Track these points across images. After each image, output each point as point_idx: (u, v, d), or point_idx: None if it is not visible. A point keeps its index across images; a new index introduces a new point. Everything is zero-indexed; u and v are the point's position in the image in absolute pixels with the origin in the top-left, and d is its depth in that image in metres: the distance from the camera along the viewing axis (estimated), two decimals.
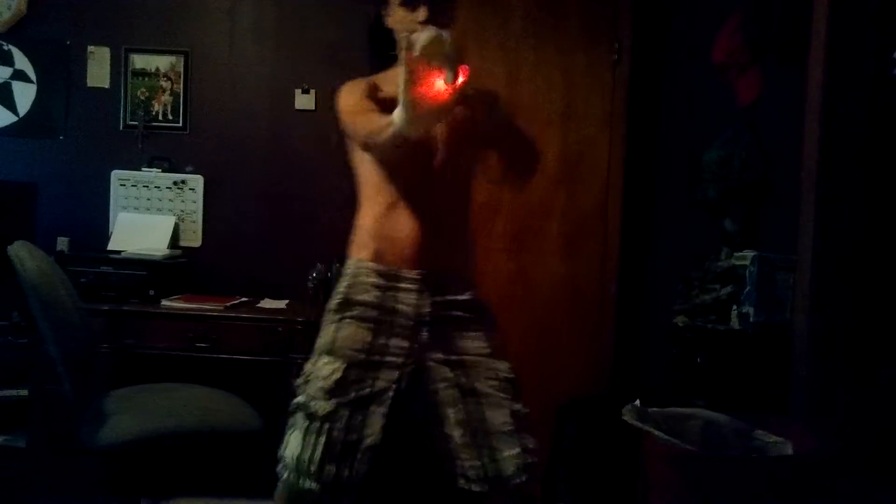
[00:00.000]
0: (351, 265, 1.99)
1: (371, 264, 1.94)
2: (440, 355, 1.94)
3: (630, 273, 3.24)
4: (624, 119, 3.20)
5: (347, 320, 1.92)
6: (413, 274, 1.92)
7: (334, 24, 3.47)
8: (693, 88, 3.06)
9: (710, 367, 2.30)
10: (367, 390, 1.89)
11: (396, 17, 1.97)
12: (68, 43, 3.51)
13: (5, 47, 3.50)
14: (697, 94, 3.03)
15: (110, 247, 3.34)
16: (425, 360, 1.94)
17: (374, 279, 1.93)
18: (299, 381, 1.95)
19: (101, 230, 3.46)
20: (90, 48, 3.51)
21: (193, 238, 3.51)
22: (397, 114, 1.60)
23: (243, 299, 3.26)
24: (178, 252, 3.41)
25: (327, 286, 3.30)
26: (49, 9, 3.51)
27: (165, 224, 3.45)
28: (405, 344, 1.92)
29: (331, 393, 1.87)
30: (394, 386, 1.91)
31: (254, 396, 2.49)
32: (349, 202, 3.44)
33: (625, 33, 3.20)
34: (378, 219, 1.97)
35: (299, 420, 1.90)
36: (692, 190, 2.76)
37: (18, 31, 3.50)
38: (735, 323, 2.32)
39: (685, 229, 3.01)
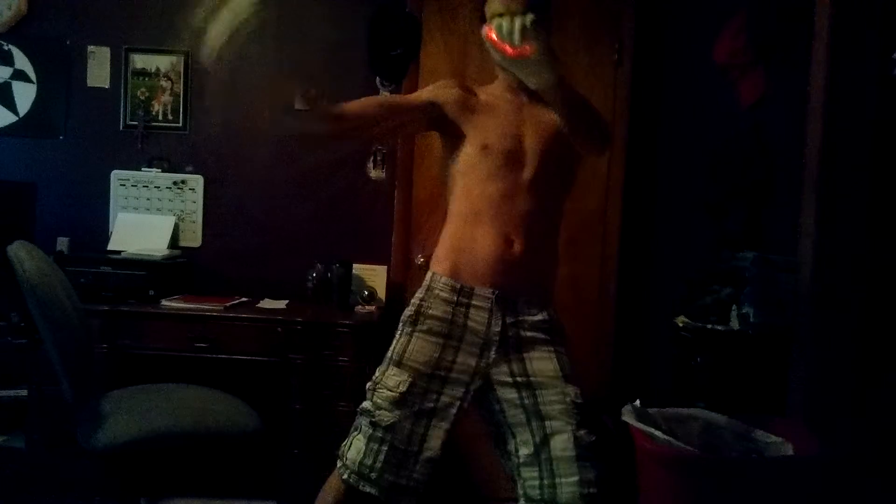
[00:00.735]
0: (428, 278, 2.02)
1: (446, 279, 1.96)
2: (508, 376, 1.93)
3: (631, 274, 3.23)
4: (626, 120, 3.19)
5: (418, 334, 1.95)
6: (487, 292, 1.93)
7: (334, 24, 3.46)
8: (695, 89, 3.05)
9: (711, 367, 2.29)
10: (431, 405, 1.92)
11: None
12: (68, 43, 3.51)
13: (5, 47, 3.49)
14: (699, 94, 3.02)
15: (110, 247, 3.34)
16: (493, 379, 1.94)
17: (447, 294, 1.95)
18: (369, 385, 1.98)
19: (101, 230, 3.46)
20: (90, 48, 3.51)
21: (193, 238, 3.50)
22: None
23: (243, 299, 3.26)
24: (178, 252, 3.41)
25: (327, 286, 3.30)
26: (49, 9, 3.50)
27: (165, 224, 3.45)
28: (473, 362, 1.93)
29: (395, 404, 1.91)
30: (458, 402, 1.93)
31: (253, 397, 2.48)
32: (349, 202, 3.46)
33: (626, 34, 3.19)
34: (458, 234, 1.99)
35: (364, 425, 1.95)
36: (693, 191, 2.75)
37: (18, 31, 3.50)
38: (735, 324, 2.31)
39: (686, 230, 3.00)
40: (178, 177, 3.49)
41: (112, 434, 2.13)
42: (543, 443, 1.89)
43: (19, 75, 3.51)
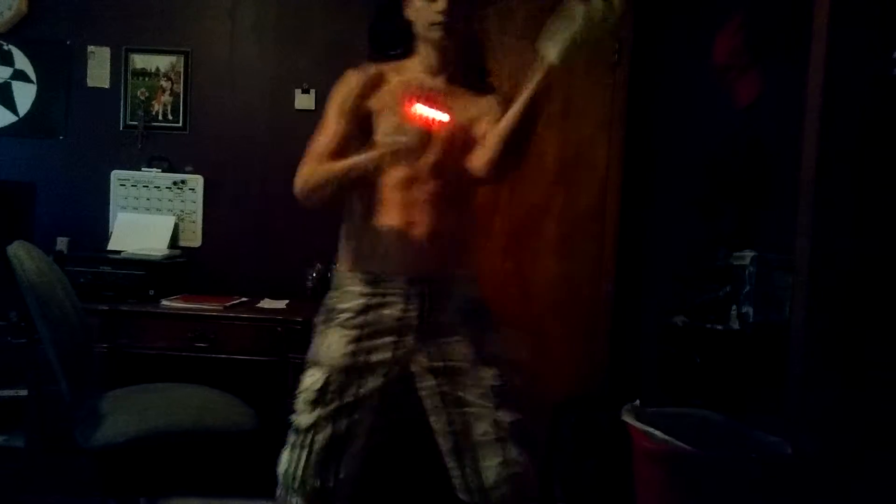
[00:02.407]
0: (337, 276, 1.96)
1: (356, 272, 1.91)
2: (425, 362, 1.90)
3: (627, 273, 3.23)
4: (623, 119, 3.19)
5: (331, 329, 1.90)
6: (399, 280, 1.88)
7: (335, 23, 3.47)
8: (693, 89, 3.05)
9: (708, 366, 2.29)
10: (351, 398, 1.86)
11: (415, 7, 1.91)
12: (68, 43, 3.52)
13: (5, 47, 3.50)
14: (697, 94, 3.02)
15: (110, 247, 3.34)
16: (411, 367, 1.91)
17: (358, 287, 1.90)
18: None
19: (101, 230, 3.46)
20: (90, 48, 3.52)
21: (193, 238, 3.51)
22: (368, 157, 1.73)
23: (243, 299, 3.26)
24: (178, 252, 3.41)
25: (326, 286, 3.29)
26: (49, 9, 3.51)
27: (165, 224, 3.45)
28: (389, 351, 1.88)
29: (313, 404, 1.86)
30: (378, 393, 1.88)
31: (252, 396, 2.49)
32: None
33: (625, 34, 3.19)
34: (363, 224, 1.93)
35: (290, 437, 1.90)
36: (689, 190, 2.75)
37: (18, 31, 3.50)
38: (734, 323, 2.32)
39: (682, 229, 3.00)
40: (178, 177, 3.50)
41: (111, 433, 2.14)
42: (464, 430, 1.87)
43: (19, 75, 3.51)
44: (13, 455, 3.01)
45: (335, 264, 2.00)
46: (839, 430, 1.99)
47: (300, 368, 2.90)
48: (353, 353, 1.87)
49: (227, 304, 3.11)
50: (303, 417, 1.87)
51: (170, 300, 3.09)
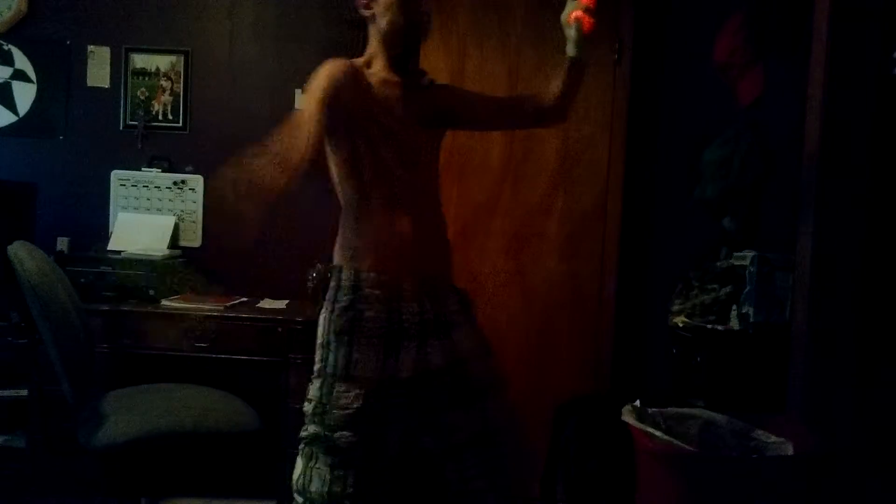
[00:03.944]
0: (349, 277, 1.86)
1: (373, 275, 1.84)
2: (439, 362, 1.90)
3: (629, 272, 3.23)
4: (624, 118, 3.19)
5: (359, 340, 1.82)
6: (413, 282, 1.86)
7: (335, 23, 3.46)
8: (694, 88, 3.05)
9: (710, 366, 2.29)
10: (387, 409, 1.84)
11: (389, 9, 1.91)
12: (68, 43, 3.51)
13: (5, 47, 3.50)
14: (698, 93, 3.02)
15: (110, 247, 3.34)
16: (428, 367, 1.90)
17: (379, 292, 1.83)
18: (307, 408, 1.84)
19: (101, 230, 3.45)
20: (90, 48, 3.51)
21: (193, 238, 3.50)
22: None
23: (243, 299, 3.26)
24: (178, 252, 3.41)
25: (327, 286, 3.29)
26: (49, 9, 3.50)
27: (165, 224, 3.45)
28: (412, 356, 1.86)
29: (353, 421, 1.79)
30: (407, 399, 1.88)
31: (253, 396, 2.49)
32: None
33: (626, 32, 3.19)
34: (373, 222, 1.88)
35: (319, 453, 1.82)
36: (692, 189, 2.75)
37: (18, 31, 3.50)
38: (735, 323, 2.32)
39: (684, 229, 3.00)
40: (178, 177, 3.49)
41: (113, 434, 2.13)
42: (461, 427, 1.89)
43: (19, 75, 3.51)
44: (14, 456, 3.01)
45: (340, 264, 1.92)
46: (841, 429, 1.99)
47: (301, 368, 2.92)
48: (384, 364, 1.82)
49: (228, 304, 3.11)
50: (344, 436, 1.79)
51: (170, 300, 3.09)
